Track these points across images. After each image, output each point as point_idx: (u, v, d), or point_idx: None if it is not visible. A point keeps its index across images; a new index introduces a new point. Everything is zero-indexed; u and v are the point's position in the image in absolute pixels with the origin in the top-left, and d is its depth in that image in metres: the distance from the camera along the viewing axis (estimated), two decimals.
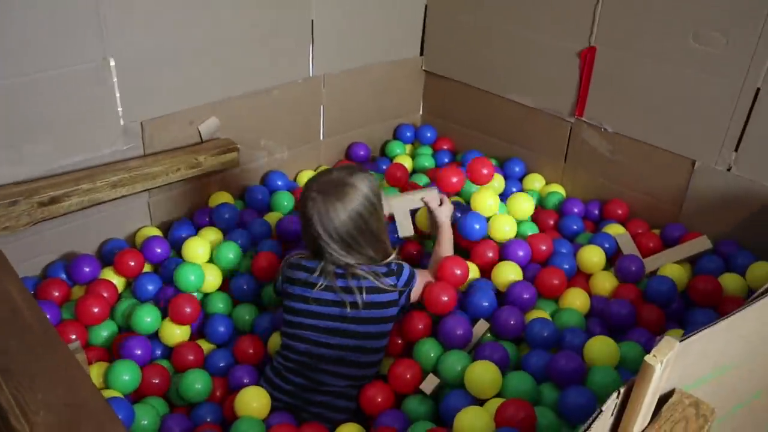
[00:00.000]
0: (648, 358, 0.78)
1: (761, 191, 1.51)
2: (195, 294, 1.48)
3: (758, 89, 1.46)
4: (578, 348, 1.31)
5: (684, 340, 0.87)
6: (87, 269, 1.48)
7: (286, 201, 1.77)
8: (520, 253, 1.52)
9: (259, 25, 1.66)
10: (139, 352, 1.36)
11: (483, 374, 1.20)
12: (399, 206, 1.50)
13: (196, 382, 1.31)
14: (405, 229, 1.50)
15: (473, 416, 1.13)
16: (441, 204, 1.51)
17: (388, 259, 1.31)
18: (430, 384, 1.27)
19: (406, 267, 1.34)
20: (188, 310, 1.41)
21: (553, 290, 1.46)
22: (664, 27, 1.55)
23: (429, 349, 1.31)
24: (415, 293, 1.36)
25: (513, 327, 1.35)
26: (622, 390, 0.82)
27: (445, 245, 1.49)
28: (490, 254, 1.54)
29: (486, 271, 1.53)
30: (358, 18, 1.88)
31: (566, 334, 1.34)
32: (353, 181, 1.25)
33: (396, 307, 1.30)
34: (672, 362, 0.80)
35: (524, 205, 1.69)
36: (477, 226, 1.56)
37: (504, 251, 1.54)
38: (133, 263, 1.49)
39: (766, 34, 1.41)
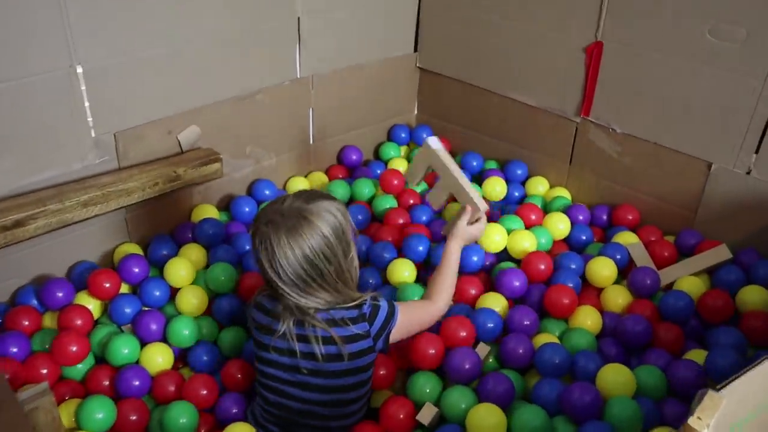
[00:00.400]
0: (692, 421, 0.68)
1: None
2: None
3: None
4: (592, 374, 1.21)
5: (722, 388, 0.77)
6: (60, 294, 1.37)
7: None
8: (516, 284, 1.41)
9: (240, 24, 1.54)
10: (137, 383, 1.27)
11: (486, 418, 1.10)
12: (451, 182, 1.43)
13: (181, 416, 1.21)
14: (436, 201, 1.50)
15: None
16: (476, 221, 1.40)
17: (358, 301, 1.12)
18: (427, 414, 1.17)
19: (382, 307, 1.14)
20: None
21: (564, 310, 1.35)
22: (678, 20, 1.44)
23: (424, 384, 1.21)
24: (398, 332, 1.18)
25: (521, 356, 1.25)
26: None
27: (449, 271, 1.34)
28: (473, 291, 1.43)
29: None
30: (347, 14, 1.75)
31: (579, 358, 1.24)
32: (310, 212, 1.05)
33: (372, 354, 1.14)
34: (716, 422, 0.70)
35: (560, 226, 1.61)
36: (475, 258, 1.47)
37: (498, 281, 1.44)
38: (108, 284, 1.38)
39: None
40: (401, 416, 1.16)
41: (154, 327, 1.35)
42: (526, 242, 1.51)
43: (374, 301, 1.14)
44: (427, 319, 1.27)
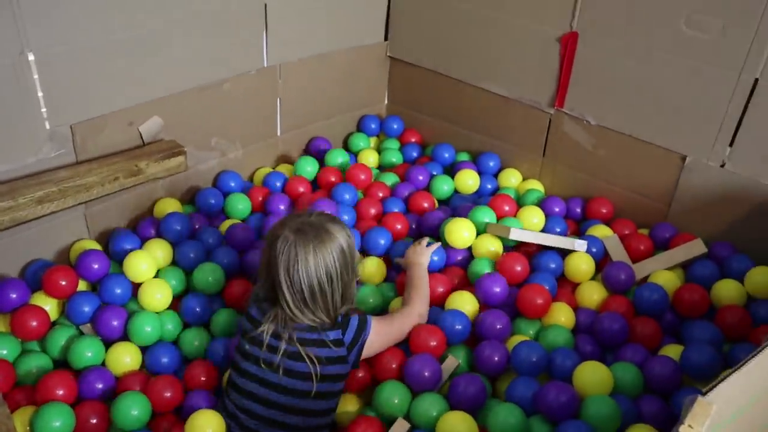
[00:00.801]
0: (684, 429, 0.65)
1: (758, 189, 1.41)
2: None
3: (756, 80, 1.34)
4: (569, 371, 1.20)
5: (708, 392, 0.75)
6: (13, 295, 1.29)
7: (241, 204, 1.61)
8: (497, 289, 1.36)
9: (205, 11, 1.47)
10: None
11: (457, 425, 1.07)
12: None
13: (132, 408, 1.15)
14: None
15: None
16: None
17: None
18: (399, 430, 1.13)
19: (354, 317, 1.16)
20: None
21: (538, 310, 1.33)
22: (654, 11, 1.42)
23: (391, 395, 1.17)
24: (375, 343, 1.18)
25: (497, 363, 1.22)
26: None
27: (419, 284, 1.34)
28: (441, 289, 1.39)
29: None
30: (316, 2, 1.69)
31: (556, 356, 1.22)
32: (333, 229, 1.12)
33: (344, 365, 1.14)
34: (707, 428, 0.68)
35: (534, 219, 1.59)
36: (435, 258, 1.45)
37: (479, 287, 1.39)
38: (64, 282, 1.31)
39: (767, 19, 1.28)
40: None
41: (115, 324, 1.29)
42: (491, 246, 1.47)
43: (347, 314, 1.16)
44: (406, 327, 1.26)
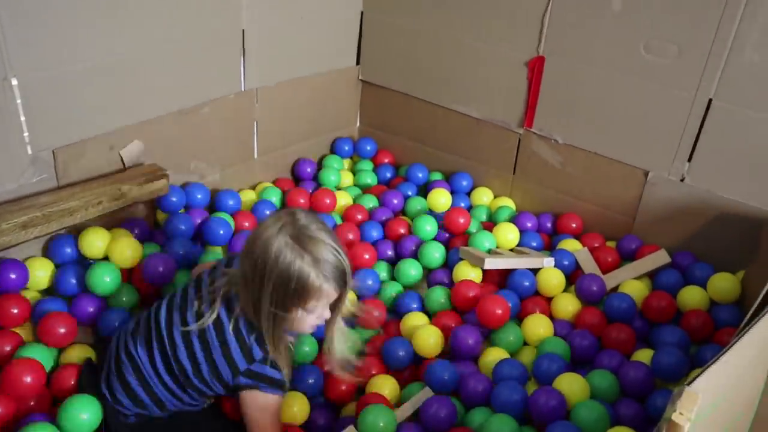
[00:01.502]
0: (676, 417, 0.71)
1: (715, 201, 1.50)
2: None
3: (710, 100, 1.44)
4: (554, 376, 1.26)
5: (690, 383, 0.81)
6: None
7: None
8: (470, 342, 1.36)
9: (185, 37, 1.50)
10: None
11: None
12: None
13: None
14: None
15: None
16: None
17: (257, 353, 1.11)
18: None
19: (277, 373, 1.12)
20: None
21: (496, 320, 1.38)
22: (615, 36, 1.51)
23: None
24: (255, 406, 1.12)
25: (482, 393, 1.25)
26: None
27: None
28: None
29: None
30: (291, 27, 1.74)
31: (542, 361, 1.28)
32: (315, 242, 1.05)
33: (226, 381, 1.11)
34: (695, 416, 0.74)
35: (509, 236, 1.65)
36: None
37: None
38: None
39: (718, 44, 1.39)
40: None
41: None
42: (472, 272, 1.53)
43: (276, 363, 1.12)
44: None
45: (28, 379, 1.12)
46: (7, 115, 1.25)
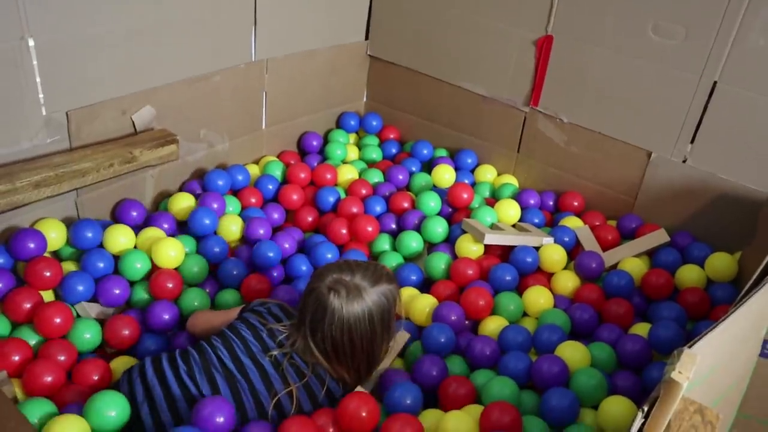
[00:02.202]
0: (675, 375, 0.74)
1: (716, 183, 1.53)
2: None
3: (715, 82, 1.47)
4: (555, 345, 1.29)
5: (692, 346, 0.84)
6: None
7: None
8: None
9: (199, 5, 1.51)
10: None
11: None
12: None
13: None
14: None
15: (457, 421, 1.08)
16: None
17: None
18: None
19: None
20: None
21: (479, 311, 1.40)
22: (624, 17, 1.53)
23: None
24: None
25: (489, 356, 1.28)
26: (645, 408, 0.78)
27: None
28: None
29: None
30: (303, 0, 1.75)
31: (542, 331, 1.31)
32: (367, 290, 1.10)
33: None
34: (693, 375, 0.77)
35: (510, 212, 1.68)
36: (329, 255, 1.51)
37: None
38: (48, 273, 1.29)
39: (725, 28, 1.41)
40: None
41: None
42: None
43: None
44: None
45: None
46: (23, 75, 1.26)
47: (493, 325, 1.36)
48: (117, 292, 1.32)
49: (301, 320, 1.12)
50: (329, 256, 1.52)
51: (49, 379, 1.11)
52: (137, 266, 1.37)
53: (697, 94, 1.49)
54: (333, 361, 1.11)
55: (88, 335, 1.25)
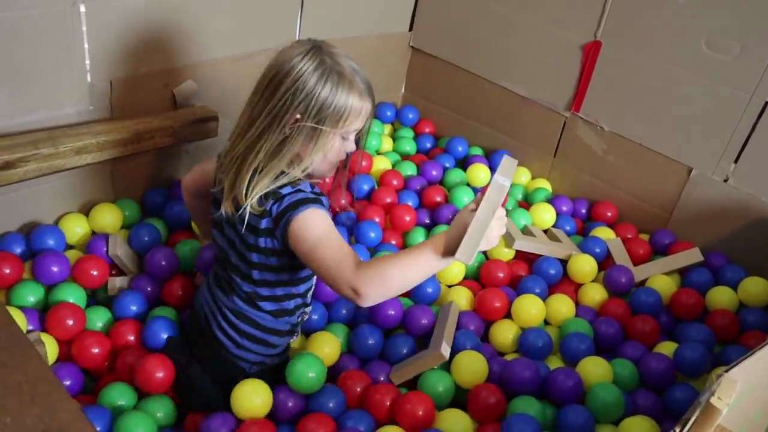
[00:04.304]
0: (714, 401, 0.73)
1: (757, 205, 1.50)
2: None
3: (766, 102, 1.43)
4: (582, 356, 1.28)
5: (729, 371, 0.83)
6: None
7: None
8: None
9: None
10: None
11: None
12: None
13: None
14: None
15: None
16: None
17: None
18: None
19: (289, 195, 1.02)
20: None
21: (494, 313, 1.39)
22: (677, 29, 1.50)
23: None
24: (300, 238, 0.99)
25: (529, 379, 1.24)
26: (677, 430, 0.77)
27: (398, 264, 0.97)
28: None
29: None
30: None
31: (571, 339, 1.30)
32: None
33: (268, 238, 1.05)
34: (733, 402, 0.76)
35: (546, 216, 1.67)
36: (429, 290, 1.43)
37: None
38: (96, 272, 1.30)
39: None
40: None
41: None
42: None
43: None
44: (334, 266, 0.97)
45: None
46: (73, 40, 1.27)
47: (506, 329, 1.35)
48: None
49: None
50: (372, 235, 1.52)
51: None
52: None
53: (746, 113, 1.46)
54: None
55: None
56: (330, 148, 1.03)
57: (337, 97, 0.99)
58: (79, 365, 1.19)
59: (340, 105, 1.00)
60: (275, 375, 1.18)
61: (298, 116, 0.99)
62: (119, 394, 1.12)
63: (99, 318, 1.26)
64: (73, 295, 1.26)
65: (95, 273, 1.30)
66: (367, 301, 0.96)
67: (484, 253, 1.56)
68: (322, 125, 0.99)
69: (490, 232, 0.93)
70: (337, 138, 1.03)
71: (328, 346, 1.24)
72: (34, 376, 0.75)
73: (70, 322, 1.20)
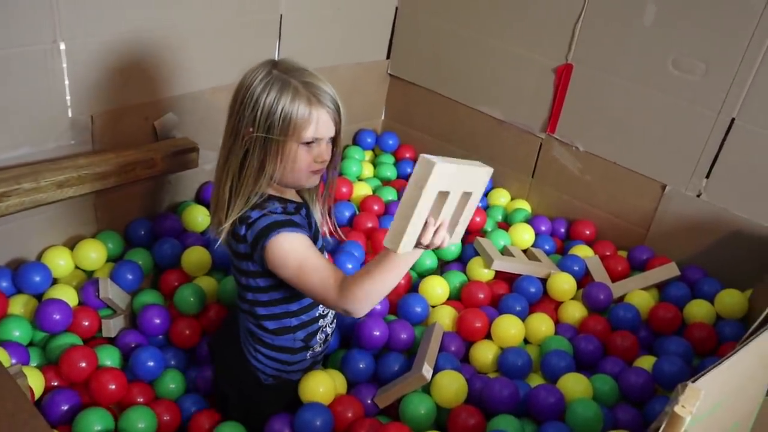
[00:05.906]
0: (678, 409, 0.74)
1: (730, 219, 1.53)
2: None
3: (733, 119, 1.47)
4: (562, 373, 1.29)
5: (696, 380, 0.84)
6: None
7: None
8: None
9: (224, 16, 1.54)
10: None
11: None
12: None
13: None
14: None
15: None
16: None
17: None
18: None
19: (262, 219, 1.03)
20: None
21: (475, 333, 1.41)
22: (645, 50, 1.55)
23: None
24: (280, 262, 1.02)
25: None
26: None
27: (375, 275, 0.98)
28: None
29: None
30: (327, 16, 1.78)
31: (551, 357, 1.32)
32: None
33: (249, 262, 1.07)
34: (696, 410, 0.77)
35: (525, 236, 1.69)
36: (418, 309, 1.45)
37: None
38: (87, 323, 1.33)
39: (746, 65, 1.42)
40: None
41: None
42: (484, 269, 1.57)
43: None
44: (319, 291, 1.01)
45: None
46: (53, 77, 1.30)
47: (485, 349, 1.37)
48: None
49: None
50: (350, 265, 1.53)
51: None
52: None
53: (715, 130, 1.50)
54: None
55: None
56: (290, 157, 1.03)
57: (281, 104, 1.01)
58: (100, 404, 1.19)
59: (286, 111, 1.01)
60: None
61: (251, 128, 1.01)
62: (97, 419, 1.13)
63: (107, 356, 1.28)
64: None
65: (86, 324, 1.32)
66: (359, 314, 1.01)
67: (464, 273, 1.58)
68: (274, 134, 1.01)
69: (427, 226, 0.90)
70: (294, 146, 1.03)
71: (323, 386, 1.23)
72: (13, 407, 0.76)
73: (83, 364, 1.21)
